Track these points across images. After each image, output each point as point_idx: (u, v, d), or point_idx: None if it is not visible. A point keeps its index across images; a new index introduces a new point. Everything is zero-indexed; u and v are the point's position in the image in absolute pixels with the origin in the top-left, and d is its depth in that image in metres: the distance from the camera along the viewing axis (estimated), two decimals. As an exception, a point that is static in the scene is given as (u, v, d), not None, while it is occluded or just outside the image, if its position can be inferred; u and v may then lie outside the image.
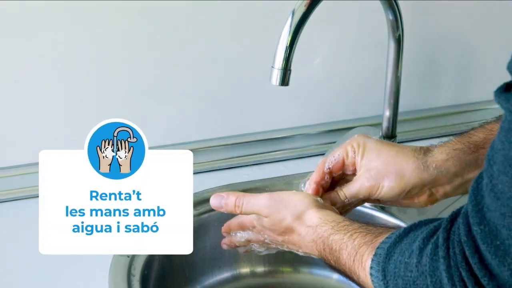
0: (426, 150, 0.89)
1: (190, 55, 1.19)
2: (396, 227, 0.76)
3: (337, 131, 1.28)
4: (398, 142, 0.97)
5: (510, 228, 0.57)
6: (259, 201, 0.88)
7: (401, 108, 1.17)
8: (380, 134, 1.18)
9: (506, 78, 0.60)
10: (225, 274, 1.14)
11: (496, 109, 0.66)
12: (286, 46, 0.93)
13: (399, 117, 1.17)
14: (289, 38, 0.93)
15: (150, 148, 1.21)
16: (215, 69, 1.22)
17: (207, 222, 1.12)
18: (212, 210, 1.12)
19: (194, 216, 1.11)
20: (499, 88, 0.59)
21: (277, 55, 0.93)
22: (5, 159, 1.16)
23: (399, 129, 1.19)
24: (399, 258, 0.69)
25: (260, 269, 1.16)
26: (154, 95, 1.20)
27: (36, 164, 1.17)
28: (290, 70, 0.94)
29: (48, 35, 1.11)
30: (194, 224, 1.10)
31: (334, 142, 1.24)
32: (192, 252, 1.11)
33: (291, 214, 0.86)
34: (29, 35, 1.11)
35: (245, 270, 1.16)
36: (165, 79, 1.20)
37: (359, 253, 0.76)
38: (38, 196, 1.16)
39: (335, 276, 1.15)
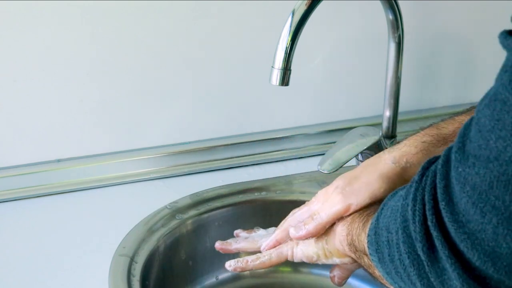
0: (393, 148, 0.89)
1: (190, 55, 1.19)
2: None
3: (337, 131, 1.28)
4: (398, 143, 0.96)
5: (481, 146, 0.58)
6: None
7: (401, 108, 1.17)
8: (380, 134, 1.18)
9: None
10: (225, 274, 1.14)
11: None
12: (286, 46, 0.93)
13: (399, 117, 1.17)
14: (289, 38, 0.93)
15: (151, 148, 1.22)
16: (215, 69, 1.22)
17: (207, 222, 1.12)
18: (212, 210, 1.13)
19: (194, 216, 1.11)
20: (503, 32, 0.60)
21: (277, 55, 0.93)
22: (5, 159, 1.16)
23: (399, 129, 1.19)
24: (392, 203, 0.71)
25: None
26: (154, 95, 1.20)
27: (36, 164, 1.18)
28: (290, 70, 0.94)
29: (47, 35, 1.11)
30: (194, 224, 1.11)
31: (334, 142, 1.24)
32: (192, 252, 1.11)
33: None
34: (28, 35, 1.11)
35: (245, 270, 1.16)
36: (165, 80, 1.20)
37: (364, 225, 0.79)
38: (38, 196, 1.17)
39: (335, 276, 1.15)
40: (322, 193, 0.89)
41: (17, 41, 1.10)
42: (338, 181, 0.87)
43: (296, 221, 0.91)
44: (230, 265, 0.93)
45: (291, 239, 0.91)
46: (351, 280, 1.13)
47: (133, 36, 1.16)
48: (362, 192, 0.84)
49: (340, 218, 0.86)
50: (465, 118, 0.89)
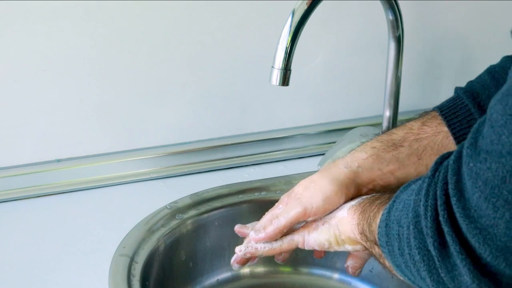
0: (347, 154, 0.93)
1: (190, 55, 1.19)
2: None
3: (337, 131, 1.28)
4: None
5: (493, 141, 0.58)
6: None
7: (401, 108, 1.17)
8: (380, 134, 1.18)
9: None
10: (225, 274, 1.14)
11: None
12: (286, 46, 0.93)
13: (399, 117, 1.17)
14: (289, 38, 0.93)
15: (151, 148, 1.22)
16: (215, 69, 1.22)
17: (207, 222, 1.12)
18: (212, 210, 1.13)
19: (194, 216, 1.11)
20: None
21: (277, 55, 0.93)
22: (5, 159, 1.16)
23: (399, 129, 1.19)
24: (404, 197, 0.71)
25: (259, 269, 1.16)
26: (154, 95, 1.20)
27: (36, 164, 1.18)
28: (290, 70, 0.94)
29: (47, 35, 1.11)
30: (194, 224, 1.11)
31: (334, 142, 1.24)
32: (192, 252, 1.11)
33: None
34: (28, 35, 1.11)
35: (245, 270, 1.16)
36: (165, 80, 1.20)
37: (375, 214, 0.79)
38: (38, 196, 1.17)
39: (335, 276, 1.15)
40: (284, 197, 0.93)
41: (17, 41, 1.10)
42: (298, 187, 0.92)
43: (268, 222, 0.93)
44: (240, 249, 0.93)
45: (296, 230, 0.92)
46: (351, 280, 1.13)
47: (133, 36, 1.16)
48: (317, 195, 0.88)
49: (350, 207, 0.87)
50: (414, 124, 0.94)
